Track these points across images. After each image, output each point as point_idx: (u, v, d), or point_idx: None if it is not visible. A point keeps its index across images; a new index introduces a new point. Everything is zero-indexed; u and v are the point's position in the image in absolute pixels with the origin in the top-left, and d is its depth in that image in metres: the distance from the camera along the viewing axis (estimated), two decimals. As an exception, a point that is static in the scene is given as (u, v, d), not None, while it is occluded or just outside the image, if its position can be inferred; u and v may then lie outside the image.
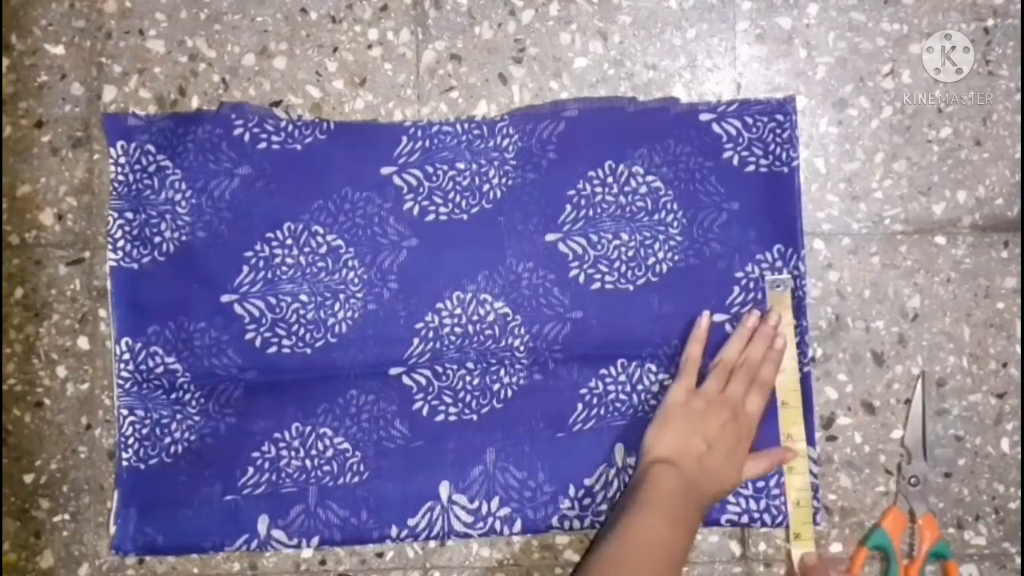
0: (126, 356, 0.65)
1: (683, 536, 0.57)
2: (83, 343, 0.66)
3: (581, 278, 0.66)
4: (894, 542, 0.63)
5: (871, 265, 0.67)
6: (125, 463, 0.64)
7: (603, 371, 0.65)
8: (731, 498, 0.63)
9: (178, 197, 0.65)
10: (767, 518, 0.64)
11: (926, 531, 0.64)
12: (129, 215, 0.65)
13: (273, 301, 0.65)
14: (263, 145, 0.66)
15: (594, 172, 0.66)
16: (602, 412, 0.65)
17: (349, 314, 0.65)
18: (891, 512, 0.64)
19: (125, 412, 0.65)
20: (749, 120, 0.66)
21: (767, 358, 0.63)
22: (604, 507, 0.64)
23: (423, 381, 0.65)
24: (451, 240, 0.66)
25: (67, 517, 0.65)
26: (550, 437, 0.64)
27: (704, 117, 0.66)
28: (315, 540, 0.64)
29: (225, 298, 0.65)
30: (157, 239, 0.65)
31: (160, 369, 0.65)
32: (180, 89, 0.67)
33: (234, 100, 0.67)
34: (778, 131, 0.66)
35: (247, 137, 0.66)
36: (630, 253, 0.66)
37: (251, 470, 0.64)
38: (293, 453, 0.64)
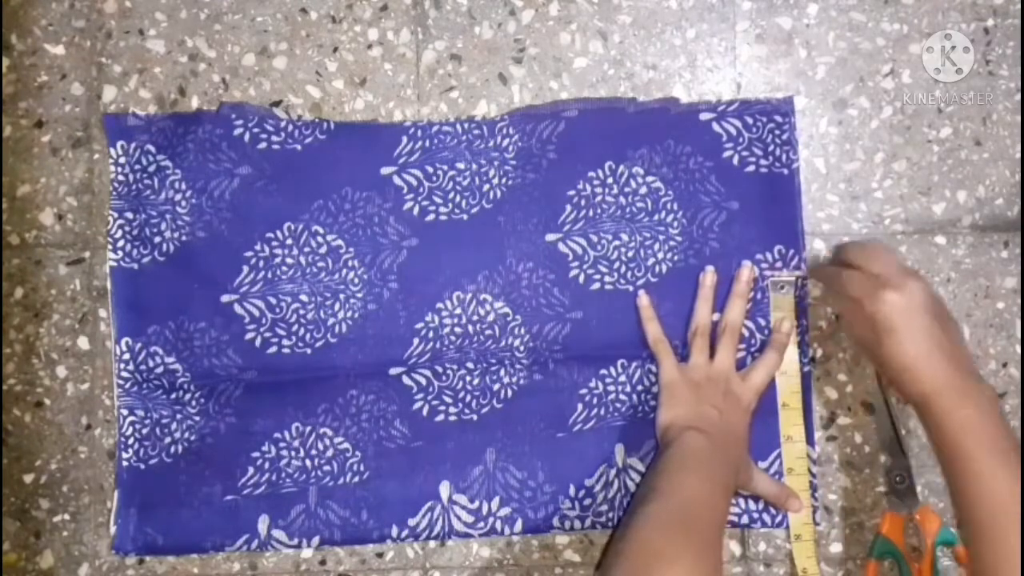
0: (126, 356, 0.65)
1: (721, 498, 0.57)
2: (83, 343, 0.66)
3: (581, 278, 0.66)
4: (898, 545, 0.63)
5: (871, 265, 0.66)
6: (125, 463, 0.64)
7: (603, 371, 0.65)
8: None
9: (178, 197, 0.65)
10: (767, 518, 0.64)
11: (926, 524, 0.64)
12: (129, 215, 0.65)
13: (273, 301, 0.65)
14: (263, 145, 0.66)
15: (594, 172, 0.66)
16: (602, 412, 0.65)
17: (349, 314, 0.65)
18: (887, 517, 0.64)
19: (125, 412, 0.65)
20: (749, 120, 0.66)
21: (735, 306, 0.64)
22: (604, 507, 0.64)
23: (423, 381, 0.65)
24: (451, 240, 0.66)
25: (67, 517, 0.65)
26: (550, 437, 0.64)
27: (704, 117, 0.66)
28: (315, 540, 0.64)
29: (225, 298, 0.65)
30: (157, 239, 0.65)
31: (160, 369, 0.65)
32: (180, 89, 0.67)
33: (234, 100, 0.67)
34: (777, 131, 0.66)
35: (247, 137, 0.66)
36: (630, 253, 0.66)
37: (251, 470, 0.64)
38: (293, 453, 0.64)
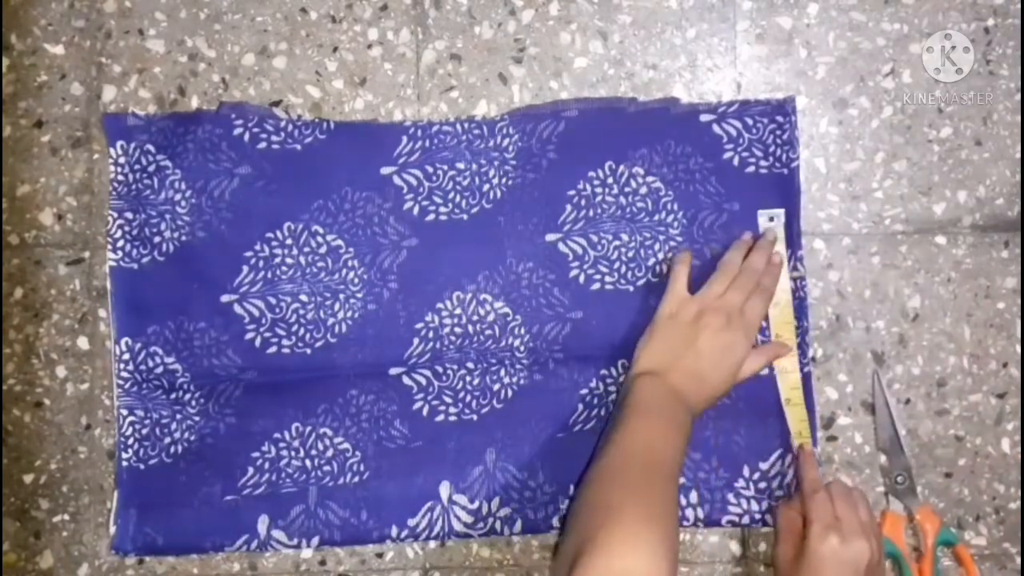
0: (126, 356, 0.65)
1: (674, 438, 0.57)
2: (83, 343, 0.66)
3: (581, 278, 0.66)
4: (898, 546, 0.63)
5: (871, 265, 0.66)
6: (125, 463, 0.64)
7: (604, 372, 0.65)
8: (732, 498, 0.63)
9: (178, 197, 0.65)
10: (769, 519, 0.64)
11: (926, 524, 0.64)
12: (129, 215, 0.65)
13: (273, 301, 0.65)
14: (263, 145, 0.66)
15: (594, 172, 0.66)
16: (603, 413, 0.64)
17: (349, 314, 0.65)
18: (887, 518, 0.64)
19: (125, 412, 0.65)
20: (749, 121, 0.66)
21: (768, 270, 0.63)
22: (604, 507, 0.64)
23: (423, 381, 0.65)
24: (451, 240, 0.66)
25: (67, 517, 0.65)
26: (550, 437, 0.64)
27: (704, 118, 0.66)
28: (315, 540, 0.64)
29: (225, 298, 0.65)
30: (157, 239, 0.65)
31: (160, 369, 0.65)
32: (180, 89, 0.67)
33: (234, 100, 0.67)
34: (778, 132, 0.66)
35: (247, 137, 0.66)
36: (630, 254, 0.66)
37: (251, 470, 0.64)
38: (293, 453, 0.64)
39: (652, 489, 0.53)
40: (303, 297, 0.65)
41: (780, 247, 0.65)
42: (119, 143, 0.66)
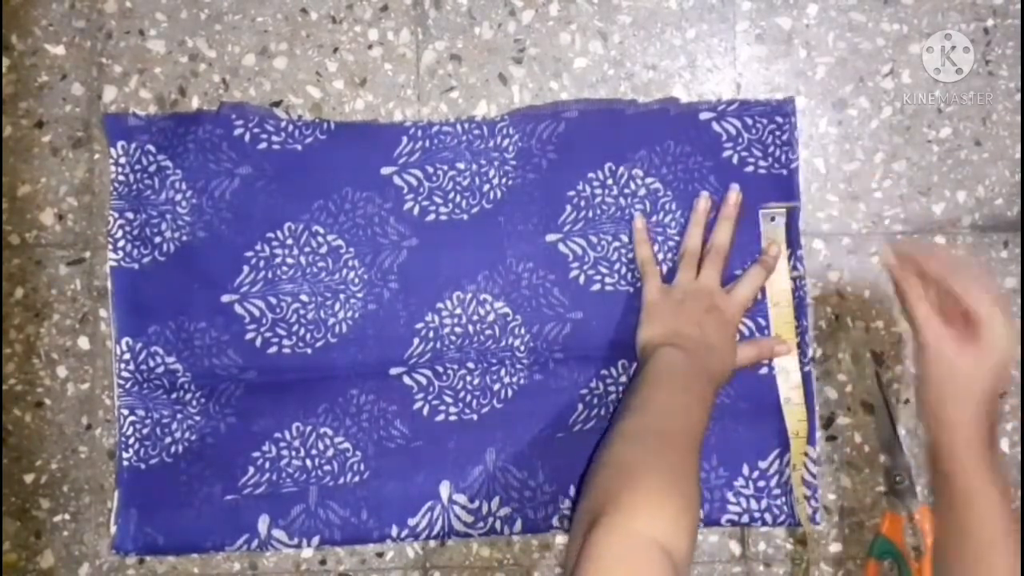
0: (126, 356, 0.65)
1: (697, 407, 0.56)
2: (83, 343, 0.66)
3: (581, 279, 0.66)
4: (898, 545, 0.63)
5: (871, 265, 0.67)
6: (126, 463, 0.64)
7: (604, 372, 0.65)
8: (731, 497, 0.64)
9: (178, 197, 0.66)
10: (768, 518, 0.64)
11: (926, 523, 0.64)
12: (129, 215, 0.65)
13: (273, 301, 0.65)
14: (263, 145, 0.66)
15: (594, 174, 0.66)
16: (603, 412, 0.65)
17: (349, 314, 0.66)
18: (887, 517, 0.64)
19: (126, 412, 0.65)
20: (749, 121, 0.66)
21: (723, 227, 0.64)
22: (604, 507, 0.64)
23: (423, 381, 0.65)
24: (451, 240, 0.66)
25: (67, 517, 0.66)
26: (550, 437, 0.64)
27: (704, 116, 0.66)
28: (315, 540, 0.64)
29: (225, 298, 0.65)
30: (157, 239, 0.65)
31: (161, 369, 0.65)
32: (180, 89, 0.67)
33: (234, 100, 0.67)
34: (777, 132, 0.66)
35: (247, 137, 0.66)
36: (630, 255, 0.66)
37: (251, 470, 0.64)
38: (293, 453, 0.64)
39: (674, 454, 0.53)
40: (303, 297, 0.65)
41: (780, 246, 0.65)
42: (120, 143, 0.66)
